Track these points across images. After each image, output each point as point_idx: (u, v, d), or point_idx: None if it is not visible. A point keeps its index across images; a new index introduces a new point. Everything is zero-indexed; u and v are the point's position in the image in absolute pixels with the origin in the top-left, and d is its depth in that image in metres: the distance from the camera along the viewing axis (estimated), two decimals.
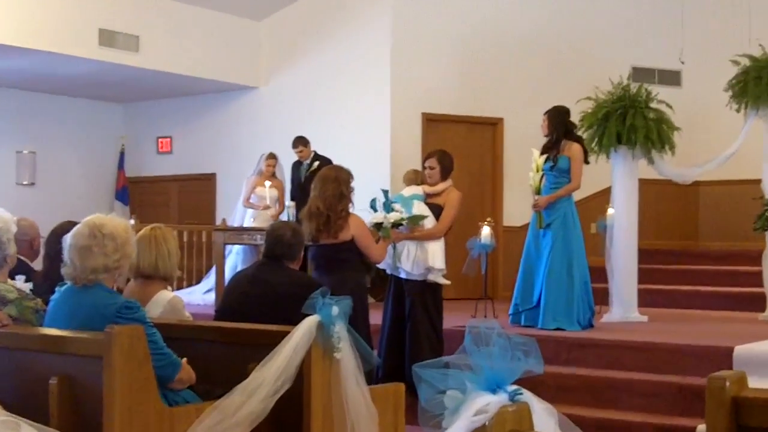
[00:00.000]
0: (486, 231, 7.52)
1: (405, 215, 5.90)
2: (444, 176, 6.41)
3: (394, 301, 6.29)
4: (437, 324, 6.24)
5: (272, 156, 9.62)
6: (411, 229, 6.04)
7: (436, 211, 6.28)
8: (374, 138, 10.23)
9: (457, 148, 9.63)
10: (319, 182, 5.39)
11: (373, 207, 5.71)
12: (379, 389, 3.87)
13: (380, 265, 6.19)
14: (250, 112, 11.44)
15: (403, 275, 6.23)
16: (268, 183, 9.24)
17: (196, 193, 12.06)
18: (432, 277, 6.18)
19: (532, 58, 10.59)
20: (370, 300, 8.54)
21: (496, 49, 10.50)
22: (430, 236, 6.18)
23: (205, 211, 11.88)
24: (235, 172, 11.14)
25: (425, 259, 6.13)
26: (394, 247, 6.09)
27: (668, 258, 9.95)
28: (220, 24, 10.90)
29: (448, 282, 6.30)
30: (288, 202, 8.85)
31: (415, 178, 6.78)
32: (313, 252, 5.44)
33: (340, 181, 5.33)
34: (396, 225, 5.81)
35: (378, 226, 5.66)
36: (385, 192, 5.99)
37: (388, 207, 5.83)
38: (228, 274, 8.87)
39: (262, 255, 4.54)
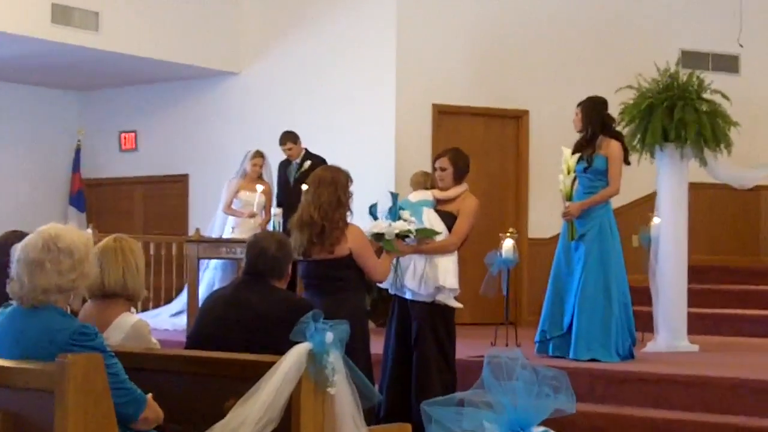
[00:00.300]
0: (508, 244, 7.56)
1: (414, 226, 5.90)
2: (458, 179, 6.44)
3: (399, 326, 6.33)
4: (449, 353, 6.26)
5: (259, 154, 9.70)
6: (420, 241, 6.06)
7: (449, 220, 6.31)
8: (376, 134, 10.28)
9: (474, 145, 9.69)
10: (312, 186, 5.41)
11: (372, 213, 5.75)
12: (382, 430, 3.83)
13: (382, 285, 6.22)
14: (230, 103, 11.52)
15: (408, 296, 6.25)
16: (260, 187, 9.34)
17: (166, 198, 12.09)
18: (442, 298, 6.20)
19: (562, 40, 10.65)
20: (371, 325, 8.57)
21: (521, 30, 10.57)
22: (442, 250, 6.19)
23: (175, 219, 11.91)
24: (211, 174, 11.22)
25: (435, 276, 6.14)
26: (398, 263, 6.12)
27: (724, 276, 9.97)
28: None
29: (460, 305, 6.31)
30: (274, 208, 8.84)
31: (423, 181, 6.83)
32: (304, 268, 5.46)
33: (337, 185, 5.35)
34: (402, 236, 5.81)
35: (378, 236, 5.67)
36: (394, 195, 6.01)
37: (395, 214, 5.84)
38: (202, 294, 8.91)
39: (243, 271, 4.55)
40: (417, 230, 5.93)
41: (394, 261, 6.00)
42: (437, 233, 6.12)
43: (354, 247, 5.32)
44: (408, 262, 6.17)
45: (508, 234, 7.67)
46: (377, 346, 6.19)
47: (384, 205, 5.95)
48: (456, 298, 6.27)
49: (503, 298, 7.89)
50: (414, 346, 6.22)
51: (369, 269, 5.40)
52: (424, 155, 9.74)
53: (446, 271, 6.18)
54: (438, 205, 6.38)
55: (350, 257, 5.32)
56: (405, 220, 5.82)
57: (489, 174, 10.27)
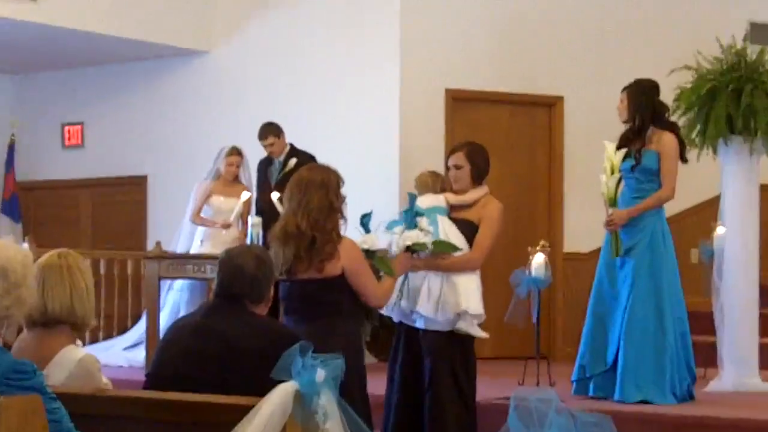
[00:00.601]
0: (539, 260, 7.53)
1: (431, 238, 5.92)
2: (477, 180, 6.47)
3: (406, 362, 6.33)
4: (469, 394, 6.25)
5: (235, 151, 9.76)
6: (435, 256, 6.08)
7: (468, 230, 6.32)
8: (376, 127, 10.29)
9: (497, 139, 9.71)
10: (297, 189, 5.40)
11: (364, 225, 5.74)
12: None
13: (384, 311, 6.19)
14: (199, 89, 11.57)
15: (419, 324, 6.25)
16: (246, 194, 9.46)
17: (119, 204, 12.08)
18: (463, 326, 6.19)
19: (604, 11, 10.65)
20: (371, 360, 8.59)
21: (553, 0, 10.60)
22: (463, 267, 6.21)
23: (131, 230, 11.90)
24: (176, 175, 11.23)
25: (455, 299, 6.14)
26: (406, 283, 6.12)
27: None
28: None
29: (485, 335, 6.30)
30: (252, 217, 8.91)
31: (432, 183, 6.70)
32: (285, 290, 5.45)
33: (328, 188, 5.36)
34: (413, 250, 5.84)
35: (369, 254, 5.60)
36: (412, 197, 6.03)
37: (410, 220, 5.85)
38: (165, 323, 8.92)
39: (214, 294, 4.55)
40: (434, 243, 5.95)
41: (401, 280, 6.01)
42: (457, 249, 6.15)
43: (348, 264, 5.31)
44: (420, 282, 6.18)
45: (539, 248, 7.62)
46: (378, 385, 6.16)
47: (383, 215, 5.97)
48: (480, 326, 6.28)
49: (533, 327, 7.86)
50: (428, 386, 6.21)
51: (365, 292, 5.40)
52: (435, 152, 9.69)
53: (468, 292, 6.18)
54: (452, 213, 6.39)
55: (342, 277, 5.31)
56: (422, 230, 5.85)
57: (515, 174, 10.26)
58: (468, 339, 6.26)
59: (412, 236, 5.81)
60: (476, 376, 6.35)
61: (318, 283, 5.31)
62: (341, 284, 5.32)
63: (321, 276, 5.29)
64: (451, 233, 6.23)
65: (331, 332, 5.19)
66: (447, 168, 6.58)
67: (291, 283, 5.36)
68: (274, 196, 8.38)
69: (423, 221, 5.89)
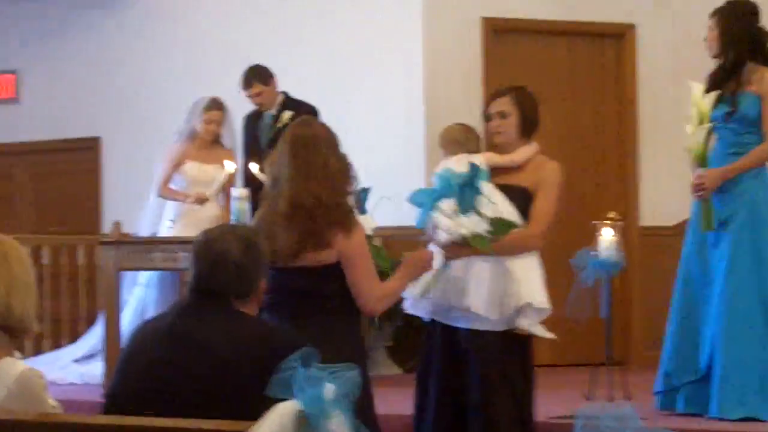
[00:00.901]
0: (608, 237, 7.54)
1: (485, 216, 5.95)
2: (525, 133, 6.46)
3: (444, 371, 6.31)
4: (527, 411, 6.27)
5: (216, 105, 9.72)
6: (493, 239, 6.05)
7: (520, 198, 6.30)
8: (395, 68, 10.28)
9: (550, 81, 9.79)
10: (303, 147, 5.43)
11: (360, 202, 5.75)
12: None
13: (410, 308, 6.30)
14: (165, 25, 11.60)
15: (463, 324, 6.22)
16: (231, 165, 9.40)
17: (66, 175, 12.11)
18: (525, 325, 6.18)
19: None
20: (396, 371, 8.73)
21: None
22: (521, 247, 6.23)
23: (82, 208, 11.96)
24: (136, 136, 11.31)
25: (515, 290, 6.15)
26: (443, 271, 6.09)
27: None
28: None
29: (552, 335, 6.29)
30: (236, 190, 8.86)
31: (464, 140, 6.68)
32: (272, 280, 5.25)
33: (337, 146, 5.48)
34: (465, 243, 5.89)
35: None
36: (475, 168, 6.00)
37: (467, 198, 5.88)
38: (128, 327, 8.90)
39: (190, 289, 4.54)
40: (492, 222, 5.97)
41: (439, 267, 6.01)
42: (515, 225, 6.15)
43: (348, 250, 5.36)
44: (463, 269, 6.15)
45: (608, 221, 7.63)
46: (402, 403, 6.22)
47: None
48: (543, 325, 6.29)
49: (602, 323, 7.86)
50: (477, 405, 6.18)
51: (362, 289, 5.43)
52: (470, 98, 9.66)
53: (529, 280, 6.19)
54: (494, 177, 6.31)
55: (338, 265, 5.38)
56: (480, 216, 5.88)
57: (574, 126, 10.28)
58: (527, 341, 6.28)
59: (471, 225, 5.85)
60: (535, 387, 6.36)
61: (312, 271, 5.37)
62: (338, 273, 5.38)
63: (318, 263, 5.35)
64: (502, 206, 6.19)
65: (328, 333, 5.21)
66: (487, 117, 6.51)
67: (278, 273, 5.30)
68: (253, 167, 8.48)
69: (484, 200, 5.93)
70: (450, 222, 5.88)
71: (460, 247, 5.99)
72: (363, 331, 5.73)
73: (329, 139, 5.45)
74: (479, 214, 5.90)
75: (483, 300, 6.12)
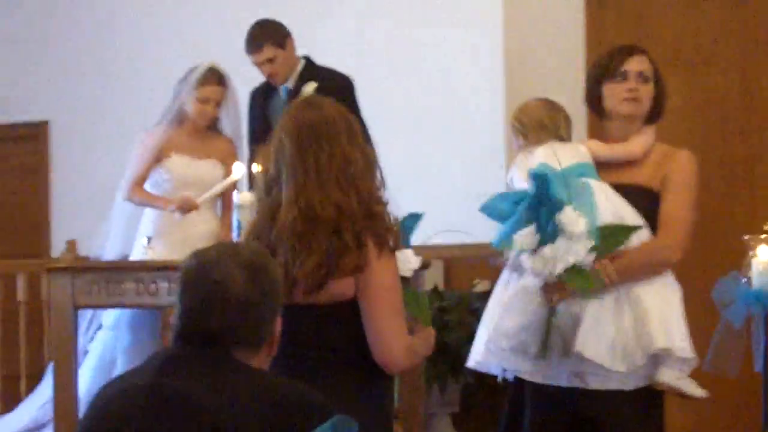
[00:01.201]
0: (765, 258, 6.60)
1: (587, 229, 5.49)
2: (654, 113, 6.04)
3: None
4: None
5: (214, 77, 8.67)
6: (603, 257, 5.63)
7: (643, 201, 5.89)
8: (467, 24, 10.00)
9: (676, 46, 9.58)
10: (315, 139, 5.00)
11: (406, 231, 5.43)
12: None
13: (473, 363, 6.01)
14: None
15: (573, 382, 5.79)
16: (240, 168, 8.47)
17: (3, 172, 12.00)
18: (668, 380, 5.74)
19: None
20: None
21: None
22: (651, 263, 5.82)
23: (24, 219, 11.90)
24: (95, 120, 11.26)
25: (648, 331, 5.67)
26: (554, 317, 5.66)
27: None
28: None
29: (703, 392, 5.90)
30: (239, 195, 8.04)
31: (552, 124, 6.40)
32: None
33: (358, 135, 5.15)
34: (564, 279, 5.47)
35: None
36: (539, 176, 5.52)
37: (544, 217, 5.44)
38: (89, 385, 8.23)
39: (176, 335, 4.18)
40: (601, 230, 5.52)
41: (545, 312, 5.66)
42: (638, 228, 5.75)
43: (374, 276, 4.98)
44: (572, 306, 5.73)
45: (764, 237, 6.75)
46: None
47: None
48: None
49: (757, 380, 6.87)
50: None
51: (383, 333, 5.06)
52: (569, 65, 9.48)
53: (666, 316, 5.76)
54: (601, 171, 5.96)
55: (354, 303, 5.03)
56: (570, 235, 5.45)
57: (708, 111, 9.65)
58: (662, 403, 5.91)
59: (577, 253, 5.44)
60: None
61: (325, 309, 5.05)
62: (351, 314, 5.06)
63: (331, 299, 5.00)
64: (623, 210, 5.79)
65: (338, 395, 4.67)
66: (621, 75, 5.92)
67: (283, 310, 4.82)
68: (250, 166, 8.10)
69: (569, 213, 5.45)
70: (536, 260, 5.51)
71: (561, 287, 5.61)
72: (387, 389, 5.18)
73: (349, 126, 5.12)
74: (568, 234, 5.48)
75: (605, 345, 5.71)
